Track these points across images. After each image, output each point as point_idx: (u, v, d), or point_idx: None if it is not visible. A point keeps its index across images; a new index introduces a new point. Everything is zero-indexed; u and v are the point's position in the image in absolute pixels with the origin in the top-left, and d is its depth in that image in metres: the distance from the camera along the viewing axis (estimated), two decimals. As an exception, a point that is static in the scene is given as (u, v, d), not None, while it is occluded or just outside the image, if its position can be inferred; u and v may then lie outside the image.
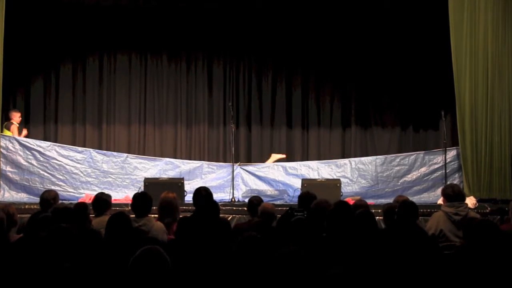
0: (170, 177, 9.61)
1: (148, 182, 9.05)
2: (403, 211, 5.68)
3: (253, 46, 11.93)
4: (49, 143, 10.04)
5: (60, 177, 9.66)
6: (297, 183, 9.44)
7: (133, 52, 11.94)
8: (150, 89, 12.00)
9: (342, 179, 9.51)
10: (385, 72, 11.83)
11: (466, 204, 6.50)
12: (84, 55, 11.82)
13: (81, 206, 5.87)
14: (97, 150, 10.14)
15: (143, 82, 11.99)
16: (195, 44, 11.92)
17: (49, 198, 6.48)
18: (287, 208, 5.97)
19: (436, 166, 9.91)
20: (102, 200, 6.38)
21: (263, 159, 11.47)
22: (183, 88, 12.03)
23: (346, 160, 10.14)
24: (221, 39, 11.89)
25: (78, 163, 9.73)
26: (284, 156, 10.86)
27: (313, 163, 10.12)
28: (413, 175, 9.92)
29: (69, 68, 11.79)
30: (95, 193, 8.85)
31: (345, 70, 11.92)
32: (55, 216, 5.16)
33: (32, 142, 9.84)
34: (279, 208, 7.46)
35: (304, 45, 11.86)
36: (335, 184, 9.22)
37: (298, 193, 8.32)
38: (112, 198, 7.73)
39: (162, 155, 11.32)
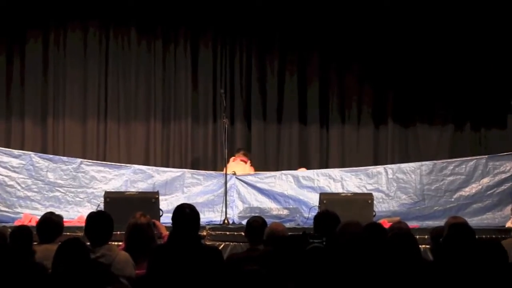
0: (140, 190, 9.74)
1: (110, 197, 9.11)
2: (453, 237, 5.56)
3: (254, 18, 12.01)
4: (-26, 145, 10.08)
5: (-11, 191, 9.63)
6: (314, 199, 9.53)
7: (90, 25, 11.99)
8: (114, 74, 12.11)
9: (374, 194, 9.58)
10: (434, 52, 11.94)
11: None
12: (23, 30, 11.84)
13: (24, 231, 5.78)
14: (40, 154, 10.19)
15: (104, 64, 12.10)
16: (176, 15, 11.98)
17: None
18: (300, 233, 5.87)
19: (504, 175, 9.94)
20: (51, 223, 6.26)
21: (268, 166, 11.37)
22: (159, 72, 12.15)
23: (380, 168, 10.21)
24: (210, 10, 11.93)
25: (14, 171, 9.73)
26: None
27: (335, 172, 10.20)
28: (472, 188, 9.96)
29: (2, 48, 11.78)
30: (37, 212, 8.94)
31: (378, 48, 12.03)
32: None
33: (-49, 144, 9.85)
34: (290, 233, 7.36)
35: (322, 16, 11.91)
36: (365, 200, 9.31)
37: (315, 212, 8.39)
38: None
39: (130, 161, 11.40)
